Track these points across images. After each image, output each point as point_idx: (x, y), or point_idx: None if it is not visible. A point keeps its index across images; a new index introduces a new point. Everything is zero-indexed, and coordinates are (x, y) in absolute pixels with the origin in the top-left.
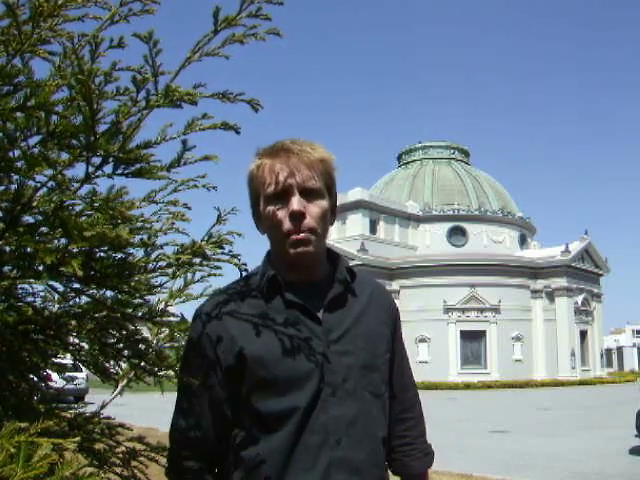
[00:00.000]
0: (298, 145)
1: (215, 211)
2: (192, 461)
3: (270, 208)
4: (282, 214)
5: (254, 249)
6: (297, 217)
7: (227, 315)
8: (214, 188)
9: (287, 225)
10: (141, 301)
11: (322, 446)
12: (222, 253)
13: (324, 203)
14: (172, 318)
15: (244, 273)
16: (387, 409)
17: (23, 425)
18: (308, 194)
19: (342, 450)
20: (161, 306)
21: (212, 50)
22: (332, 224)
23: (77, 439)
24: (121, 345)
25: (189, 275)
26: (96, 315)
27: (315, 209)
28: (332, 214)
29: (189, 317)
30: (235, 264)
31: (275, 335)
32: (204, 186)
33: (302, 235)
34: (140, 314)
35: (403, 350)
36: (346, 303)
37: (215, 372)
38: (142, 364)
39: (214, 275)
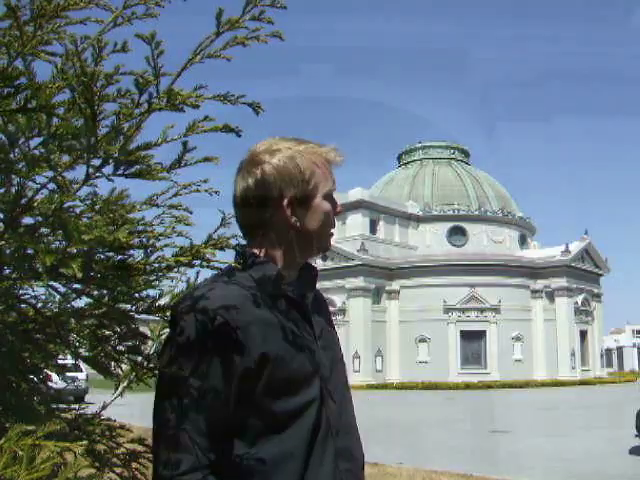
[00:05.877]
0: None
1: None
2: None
3: (328, 205)
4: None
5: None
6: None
7: (236, 311)
8: (216, 192)
9: (334, 224)
10: (140, 296)
11: (327, 438)
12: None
13: None
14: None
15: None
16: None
17: (30, 428)
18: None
19: (340, 440)
20: (162, 302)
21: (214, 52)
22: None
23: (84, 442)
24: (118, 341)
25: (192, 278)
26: (95, 312)
27: None
28: None
29: None
30: (236, 267)
31: (286, 333)
32: (206, 190)
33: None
34: (140, 309)
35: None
36: (316, 300)
37: (223, 372)
38: (141, 361)
39: None
